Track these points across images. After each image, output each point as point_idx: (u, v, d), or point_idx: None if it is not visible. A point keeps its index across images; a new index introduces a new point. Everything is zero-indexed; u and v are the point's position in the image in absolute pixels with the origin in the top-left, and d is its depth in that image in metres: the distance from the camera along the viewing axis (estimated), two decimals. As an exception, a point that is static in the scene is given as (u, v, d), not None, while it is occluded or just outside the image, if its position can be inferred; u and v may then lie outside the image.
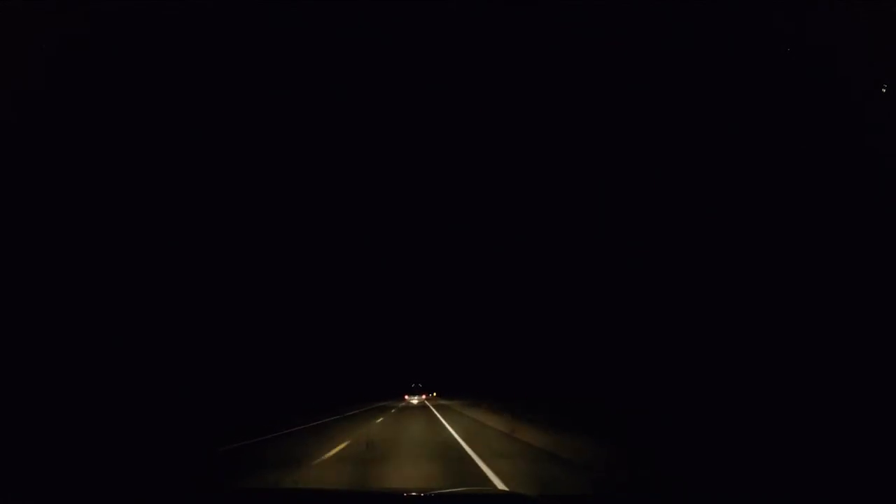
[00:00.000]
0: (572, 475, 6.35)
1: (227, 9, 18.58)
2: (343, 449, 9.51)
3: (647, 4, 15.15)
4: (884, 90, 8.88)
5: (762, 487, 4.51)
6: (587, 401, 15.47)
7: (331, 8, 23.80)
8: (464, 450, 9.22)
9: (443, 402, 43.23)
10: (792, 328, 9.79)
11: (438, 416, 21.03)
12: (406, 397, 42.82)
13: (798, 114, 10.50)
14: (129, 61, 17.25)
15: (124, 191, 17.60)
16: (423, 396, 43.08)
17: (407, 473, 6.63)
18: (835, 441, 5.49)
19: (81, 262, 15.71)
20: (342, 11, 24.68)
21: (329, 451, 9.23)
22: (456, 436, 11.88)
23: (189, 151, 21.37)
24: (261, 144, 29.29)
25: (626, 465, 6.72)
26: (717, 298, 12.66)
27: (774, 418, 7.79)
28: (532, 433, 10.57)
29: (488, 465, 7.20)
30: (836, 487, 4.22)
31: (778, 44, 10.74)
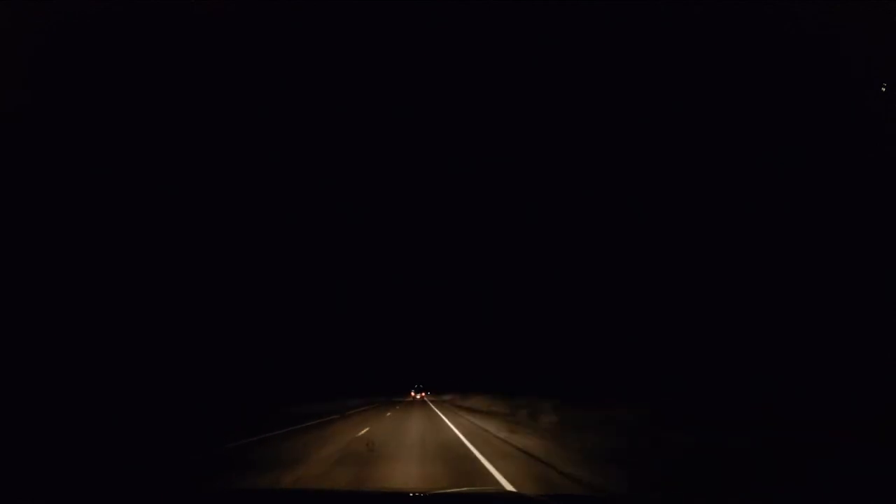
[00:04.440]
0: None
1: (228, 9, 18.56)
2: (394, 412, 21.30)
3: (648, 4, 15.19)
4: (883, 90, 8.92)
5: (758, 490, 4.52)
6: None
7: (331, 8, 23.78)
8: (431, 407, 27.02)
9: (433, 398, 56.80)
10: (793, 328, 9.82)
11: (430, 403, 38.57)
12: (412, 394, 70.33)
13: (798, 113, 10.53)
14: (128, 61, 17.22)
15: (133, 193, 17.56)
16: (423, 394, 70.74)
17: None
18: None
19: (82, 265, 15.67)
20: (343, 12, 24.66)
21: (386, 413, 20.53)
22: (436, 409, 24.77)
23: (189, 159, 21.35)
24: (264, 153, 29.45)
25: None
26: (715, 299, 12.67)
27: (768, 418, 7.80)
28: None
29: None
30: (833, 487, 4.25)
31: (778, 43, 10.78)
